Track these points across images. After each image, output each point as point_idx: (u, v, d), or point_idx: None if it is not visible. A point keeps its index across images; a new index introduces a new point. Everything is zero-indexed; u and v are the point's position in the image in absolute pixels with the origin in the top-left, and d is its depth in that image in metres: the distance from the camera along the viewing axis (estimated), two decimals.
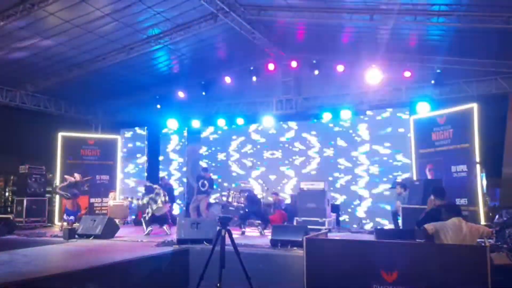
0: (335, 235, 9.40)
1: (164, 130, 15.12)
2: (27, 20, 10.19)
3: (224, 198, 11.80)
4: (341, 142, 12.89)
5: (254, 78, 13.93)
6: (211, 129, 14.94)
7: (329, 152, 13.05)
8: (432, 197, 6.44)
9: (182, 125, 14.91)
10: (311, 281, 4.58)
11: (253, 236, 9.34)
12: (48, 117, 14.89)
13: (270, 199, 12.08)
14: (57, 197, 12.99)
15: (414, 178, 10.59)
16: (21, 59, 12.26)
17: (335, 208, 11.80)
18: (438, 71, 12.10)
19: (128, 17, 10.81)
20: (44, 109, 14.69)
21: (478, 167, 9.37)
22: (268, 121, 13.88)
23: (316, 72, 13.18)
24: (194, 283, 5.34)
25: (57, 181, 13.09)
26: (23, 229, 10.51)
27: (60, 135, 13.25)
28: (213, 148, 14.86)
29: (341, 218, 12.26)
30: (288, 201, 12.61)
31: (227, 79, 14.45)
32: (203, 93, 14.62)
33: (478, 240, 5.28)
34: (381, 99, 13.02)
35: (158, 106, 15.23)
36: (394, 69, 12.78)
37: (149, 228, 9.74)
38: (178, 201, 14.28)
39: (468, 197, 9.42)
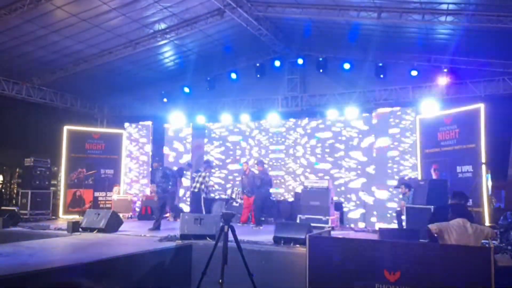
0: (338, 234, 9.37)
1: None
2: (34, 13, 10.22)
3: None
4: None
5: (259, 75, 13.94)
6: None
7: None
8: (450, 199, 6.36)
9: (187, 121, 14.92)
10: (313, 279, 4.56)
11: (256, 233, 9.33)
12: (54, 111, 14.97)
13: None
14: (62, 190, 13.06)
15: (419, 178, 10.53)
16: (28, 53, 12.32)
17: (339, 206, 11.76)
18: (445, 70, 12.03)
19: (135, 12, 10.83)
20: (50, 103, 14.76)
21: (483, 168, 9.31)
22: (273, 118, 13.84)
23: (321, 70, 13.22)
24: (196, 278, 5.34)
25: (62, 174, 13.14)
26: (27, 222, 10.56)
27: (66, 128, 13.28)
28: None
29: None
30: (291, 199, 12.61)
31: (233, 75, 14.45)
32: (208, 89, 14.65)
33: (483, 241, 5.24)
34: (388, 98, 12.98)
35: (165, 100, 15.24)
36: (401, 68, 12.74)
37: None
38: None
39: (473, 198, 9.36)
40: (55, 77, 13.84)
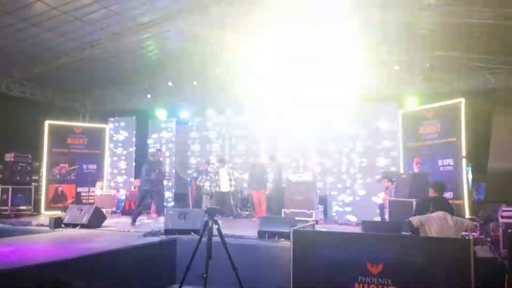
0: (322, 227, 9.46)
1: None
2: (13, 6, 10.00)
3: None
4: None
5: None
6: None
7: None
8: (431, 189, 6.43)
9: (170, 115, 14.84)
10: (297, 272, 4.61)
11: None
12: (35, 105, 14.71)
13: None
14: (44, 185, 12.88)
15: (401, 171, 10.67)
16: (7, 46, 12.04)
17: (323, 200, 11.86)
18: (427, 65, 12.16)
19: (117, 5, 10.65)
20: (31, 97, 14.50)
21: (464, 161, 9.48)
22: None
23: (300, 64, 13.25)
24: (181, 273, 5.35)
25: (44, 170, 12.97)
26: (8, 218, 10.41)
27: (47, 123, 13.10)
28: None
29: None
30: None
31: (217, 70, 14.36)
32: (194, 83, 14.56)
33: (463, 233, 5.36)
34: (369, 92, 13.05)
35: (149, 96, 15.10)
36: (383, 62, 12.82)
37: None
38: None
39: (453, 191, 9.54)
40: (35, 70, 13.57)
